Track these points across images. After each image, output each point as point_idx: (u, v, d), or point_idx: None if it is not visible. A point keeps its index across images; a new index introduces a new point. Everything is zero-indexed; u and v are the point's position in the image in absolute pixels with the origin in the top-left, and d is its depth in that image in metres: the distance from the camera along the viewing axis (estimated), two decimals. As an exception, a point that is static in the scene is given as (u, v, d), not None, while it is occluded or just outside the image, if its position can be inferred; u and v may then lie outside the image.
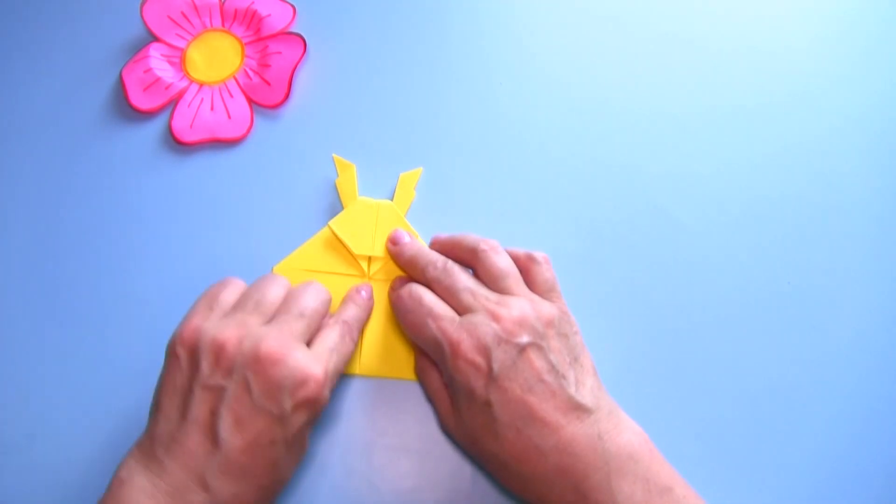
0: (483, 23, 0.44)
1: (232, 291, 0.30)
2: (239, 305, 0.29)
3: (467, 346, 0.28)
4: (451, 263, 0.32)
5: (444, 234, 0.35)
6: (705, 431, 0.34)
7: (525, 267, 0.33)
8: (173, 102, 0.41)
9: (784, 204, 0.39)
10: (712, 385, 0.35)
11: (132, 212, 0.38)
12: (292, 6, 0.43)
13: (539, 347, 0.28)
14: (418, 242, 0.35)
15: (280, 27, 0.43)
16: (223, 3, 0.44)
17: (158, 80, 0.41)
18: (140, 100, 0.40)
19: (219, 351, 0.27)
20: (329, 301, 0.31)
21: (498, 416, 0.28)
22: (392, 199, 0.38)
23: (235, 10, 0.43)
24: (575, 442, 0.27)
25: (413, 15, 0.44)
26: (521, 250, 0.33)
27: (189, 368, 0.27)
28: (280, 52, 0.42)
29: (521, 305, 0.30)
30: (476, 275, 0.32)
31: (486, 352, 0.28)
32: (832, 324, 0.36)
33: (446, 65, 0.42)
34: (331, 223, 0.36)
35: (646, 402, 0.33)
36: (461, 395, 0.29)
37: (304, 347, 0.28)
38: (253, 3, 0.43)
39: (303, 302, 0.30)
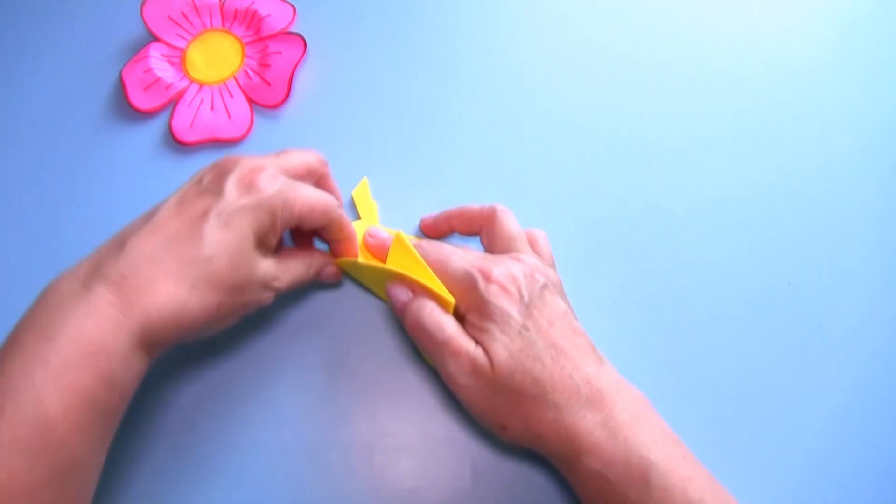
0: (483, 22, 0.44)
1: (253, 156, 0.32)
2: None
3: (499, 273, 0.29)
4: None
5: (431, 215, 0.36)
6: (704, 431, 0.34)
7: (488, 220, 0.34)
8: (173, 102, 0.41)
9: (784, 204, 0.39)
10: (711, 385, 0.35)
11: (132, 212, 0.38)
12: (292, 6, 0.43)
13: (552, 290, 0.30)
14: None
15: (280, 27, 0.43)
16: (223, 3, 0.44)
17: (158, 80, 0.41)
18: (140, 100, 0.40)
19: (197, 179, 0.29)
20: (313, 160, 0.33)
21: (535, 340, 0.28)
22: (360, 218, 0.37)
23: (235, 10, 0.43)
24: (599, 379, 0.28)
25: (413, 15, 0.44)
26: (474, 208, 0.35)
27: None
28: (280, 52, 0.42)
29: (534, 258, 0.32)
30: (486, 238, 0.34)
31: (516, 280, 0.29)
32: (832, 323, 0.36)
33: (446, 64, 0.42)
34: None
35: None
36: (499, 324, 0.29)
37: (264, 158, 0.30)
38: (253, 3, 0.43)
39: (285, 152, 0.32)
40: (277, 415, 0.33)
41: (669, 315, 0.36)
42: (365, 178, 0.38)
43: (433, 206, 0.38)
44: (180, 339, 0.26)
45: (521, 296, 0.29)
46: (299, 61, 0.41)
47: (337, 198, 0.34)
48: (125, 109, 0.41)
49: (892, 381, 0.35)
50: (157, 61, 0.41)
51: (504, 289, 0.29)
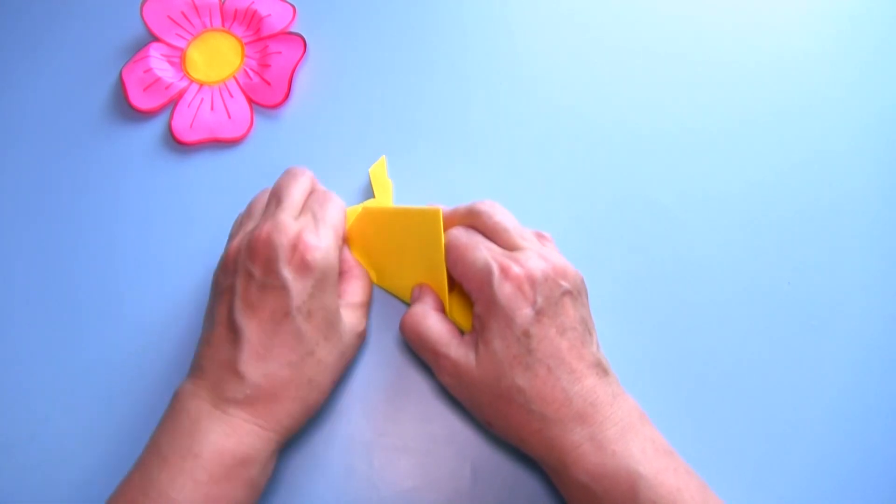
0: (483, 22, 0.44)
1: (244, 218, 0.33)
2: (247, 217, 0.33)
3: (518, 272, 0.29)
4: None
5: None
6: (704, 431, 0.34)
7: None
8: (173, 102, 0.41)
9: (784, 204, 0.39)
10: (711, 385, 0.35)
11: (132, 212, 0.38)
12: (292, 6, 0.43)
13: (574, 297, 0.29)
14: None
15: (280, 27, 0.43)
16: (223, 3, 0.44)
17: (158, 80, 0.41)
18: (140, 100, 0.40)
19: (233, 258, 0.30)
20: (308, 179, 0.33)
21: (534, 349, 0.28)
22: (374, 196, 0.37)
23: (235, 10, 0.43)
24: (595, 393, 0.28)
25: (413, 15, 0.44)
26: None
27: (215, 285, 0.31)
28: (280, 52, 0.42)
29: (562, 258, 0.31)
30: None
31: (534, 283, 0.28)
32: (832, 324, 0.36)
33: (446, 64, 0.42)
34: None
35: (644, 402, 0.32)
36: (499, 322, 0.28)
37: (289, 221, 0.30)
38: (253, 3, 0.43)
39: (286, 192, 0.32)
40: (277, 415, 0.33)
41: (669, 315, 0.36)
42: (383, 157, 0.39)
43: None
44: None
45: (535, 300, 0.28)
46: (299, 61, 0.41)
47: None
48: (125, 109, 0.41)
49: (892, 381, 0.35)
50: (157, 61, 0.41)
51: (519, 289, 0.28)
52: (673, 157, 0.40)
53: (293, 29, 0.43)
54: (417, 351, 0.32)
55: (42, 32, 0.43)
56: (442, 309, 0.32)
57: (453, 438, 0.33)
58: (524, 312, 0.28)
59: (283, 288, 0.28)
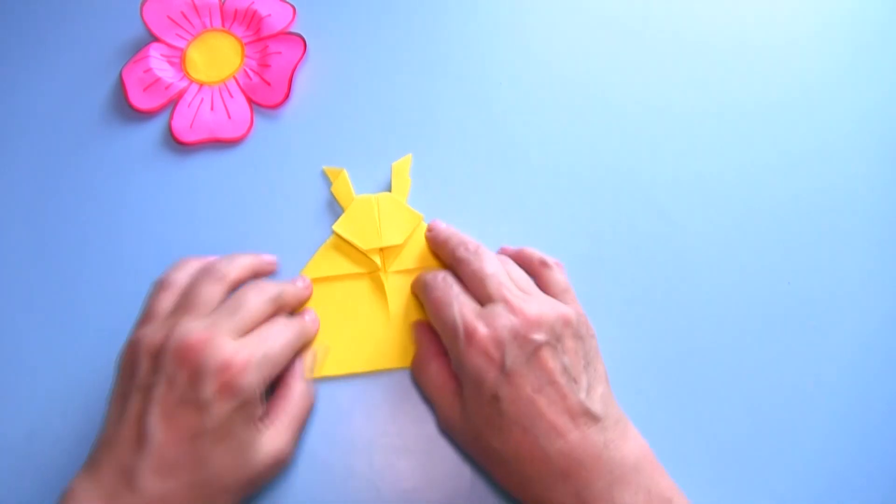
0: (483, 22, 0.44)
1: (168, 295, 0.31)
2: (178, 308, 0.30)
3: (483, 335, 0.28)
4: (483, 247, 0.33)
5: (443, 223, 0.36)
6: (704, 431, 0.34)
7: (537, 271, 0.34)
8: (173, 102, 0.41)
9: (784, 204, 0.39)
10: (711, 385, 0.35)
11: (132, 212, 0.38)
12: (292, 6, 0.43)
13: (553, 347, 0.28)
14: (453, 227, 0.35)
15: (280, 27, 0.43)
16: (223, 3, 0.44)
17: (158, 80, 0.41)
18: (140, 100, 0.40)
19: (153, 352, 0.28)
20: (274, 298, 0.31)
21: (505, 411, 0.27)
22: (390, 191, 0.38)
23: (235, 10, 0.43)
24: (580, 448, 0.26)
25: (413, 14, 0.44)
26: (534, 255, 0.34)
27: (129, 375, 0.28)
28: (280, 52, 0.42)
29: (541, 302, 0.29)
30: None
31: (500, 345, 0.28)
32: (832, 324, 0.36)
33: (446, 64, 0.42)
34: (334, 227, 0.36)
35: (645, 403, 0.33)
36: (469, 385, 0.29)
37: (228, 337, 0.28)
38: (253, 3, 0.43)
39: (239, 298, 0.30)
40: (277, 415, 0.33)
41: (668, 315, 0.36)
42: (409, 155, 0.39)
43: (432, 208, 0.38)
44: None
45: (502, 362, 0.27)
46: (299, 61, 0.41)
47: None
48: (125, 109, 0.41)
49: (892, 380, 0.35)
50: (157, 61, 0.41)
51: (485, 353, 0.28)
52: (672, 157, 0.40)
53: (293, 29, 0.43)
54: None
55: (42, 32, 0.43)
56: (442, 350, 0.32)
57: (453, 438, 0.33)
58: (491, 377, 0.28)
59: (201, 407, 0.27)
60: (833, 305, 0.36)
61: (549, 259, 0.34)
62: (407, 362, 0.34)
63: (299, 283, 0.35)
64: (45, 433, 0.33)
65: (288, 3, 0.44)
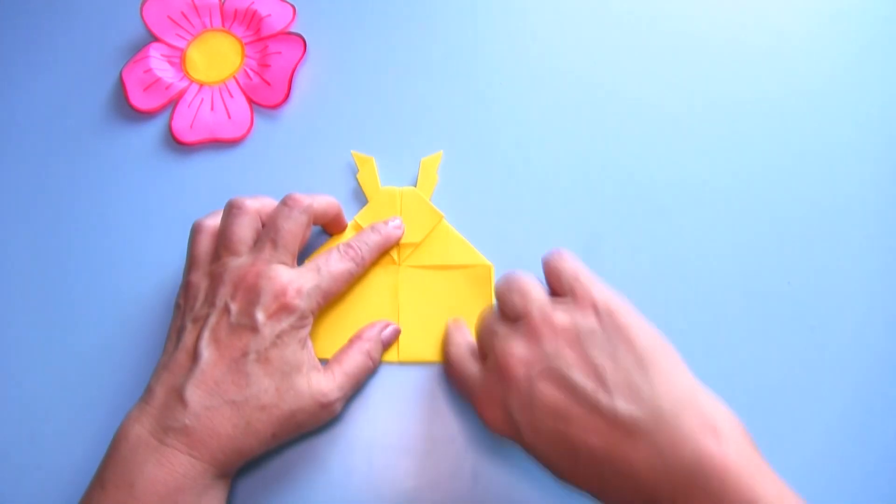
0: (483, 21, 0.43)
1: (205, 238, 0.33)
2: (219, 248, 0.32)
3: (483, 400, 0.29)
4: (520, 282, 0.30)
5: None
6: (705, 431, 0.34)
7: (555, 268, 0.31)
8: (173, 102, 0.41)
9: (785, 204, 0.39)
10: (711, 385, 0.34)
11: (132, 212, 0.38)
12: (292, 6, 0.43)
13: (551, 373, 0.26)
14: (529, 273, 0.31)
15: (280, 27, 0.43)
16: (223, 3, 0.44)
17: (158, 80, 0.41)
18: (140, 100, 0.40)
19: (206, 289, 0.30)
20: (305, 209, 0.32)
21: (544, 454, 0.26)
22: (416, 185, 0.38)
23: (235, 10, 0.43)
24: (630, 465, 0.24)
25: (413, 14, 0.44)
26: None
27: (183, 311, 0.31)
28: (280, 52, 0.42)
29: (524, 333, 0.27)
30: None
31: (501, 403, 0.27)
32: (832, 324, 0.36)
33: (446, 64, 0.42)
34: (356, 217, 0.37)
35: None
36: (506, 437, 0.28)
37: (281, 266, 0.30)
38: (253, 3, 0.43)
39: (272, 227, 0.32)
40: (277, 415, 0.33)
41: (668, 315, 0.36)
42: (440, 152, 0.39)
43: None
44: (248, 462, 0.30)
45: (510, 419, 0.27)
46: (299, 61, 0.41)
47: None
48: (125, 109, 0.41)
49: (892, 381, 0.35)
50: (157, 61, 0.41)
51: (493, 416, 0.28)
52: (672, 156, 0.40)
53: (293, 29, 0.43)
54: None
55: (42, 32, 0.43)
56: (472, 345, 0.32)
57: (453, 439, 0.33)
58: (513, 434, 0.27)
59: (252, 329, 0.29)
60: (833, 305, 0.36)
61: (544, 258, 0.31)
62: (414, 356, 0.34)
63: (390, 223, 0.36)
64: (46, 433, 0.33)
65: (288, 3, 0.44)
